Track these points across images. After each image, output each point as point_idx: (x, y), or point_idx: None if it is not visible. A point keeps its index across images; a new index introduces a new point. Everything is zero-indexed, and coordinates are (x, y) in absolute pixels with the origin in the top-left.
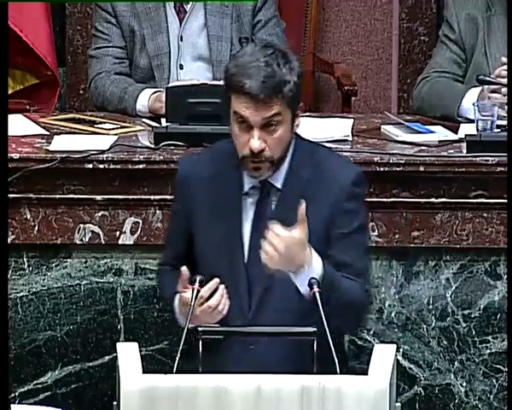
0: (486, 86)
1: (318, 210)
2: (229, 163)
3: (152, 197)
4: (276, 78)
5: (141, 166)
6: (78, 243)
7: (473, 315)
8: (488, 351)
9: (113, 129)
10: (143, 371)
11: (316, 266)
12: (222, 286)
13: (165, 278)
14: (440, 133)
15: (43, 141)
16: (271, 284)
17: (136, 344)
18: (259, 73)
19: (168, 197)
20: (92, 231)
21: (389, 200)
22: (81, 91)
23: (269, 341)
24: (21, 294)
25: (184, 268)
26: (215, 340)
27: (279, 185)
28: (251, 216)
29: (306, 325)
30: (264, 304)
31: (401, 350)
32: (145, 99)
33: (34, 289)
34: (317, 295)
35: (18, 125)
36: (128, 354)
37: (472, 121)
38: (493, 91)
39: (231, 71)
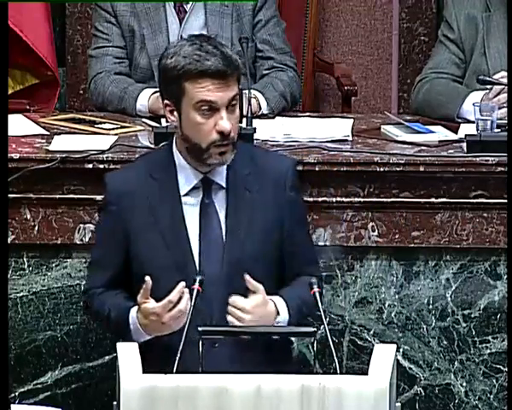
0: (490, 91)
1: (263, 202)
2: (160, 170)
3: None
4: (230, 56)
5: None
6: (78, 243)
7: (473, 315)
8: (488, 351)
9: (113, 129)
10: (143, 371)
11: (282, 311)
12: (186, 290)
13: (104, 298)
14: (440, 133)
15: (43, 141)
16: (230, 287)
17: (136, 344)
18: (215, 53)
19: None
20: (92, 231)
21: (389, 200)
22: (81, 91)
23: (233, 341)
24: (21, 294)
25: (148, 278)
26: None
27: (222, 183)
28: (196, 217)
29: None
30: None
31: (401, 350)
32: (145, 99)
33: (34, 289)
34: (317, 295)
35: (18, 125)
36: (128, 354)
37: (472, 122)
38: (498, 94)
39: (182, 62)
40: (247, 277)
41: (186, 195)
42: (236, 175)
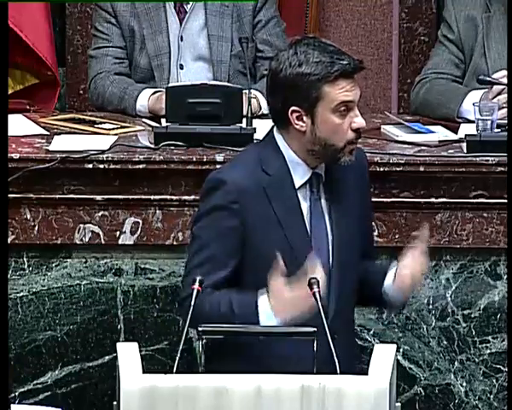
0: (490, 91)
1: (355, 189)
2: (273, 166)
3: (152, 197)
4: (347, 54)
5: (141, 166)
6: (78, 243)
7: (473, 315)
8: (488, 351)
9: (113, 129)
10: (143, 371)
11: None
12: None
13: (217, 297)
14: (440, 133)
15: (43, 141)
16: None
17: (136, 344)
18: (343, 53)
19: (168, 197)
20: (92, 231)
21: (389, 200)
22: (81, 91)
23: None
24: (21, 294)
25: (279, 256)
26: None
27: (323, 174)
28: (306, 212)
29: None
30: (343, 298)
31: (401, 350)
32: (145, 99)
33: (34, 289)
34: (317, 295)
35: (18, 125)
36: (128, 354)
37: (472, 122)
38: (498, 94)
39: (318, 67)
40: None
41: (299, 189)
42: (331, 167)
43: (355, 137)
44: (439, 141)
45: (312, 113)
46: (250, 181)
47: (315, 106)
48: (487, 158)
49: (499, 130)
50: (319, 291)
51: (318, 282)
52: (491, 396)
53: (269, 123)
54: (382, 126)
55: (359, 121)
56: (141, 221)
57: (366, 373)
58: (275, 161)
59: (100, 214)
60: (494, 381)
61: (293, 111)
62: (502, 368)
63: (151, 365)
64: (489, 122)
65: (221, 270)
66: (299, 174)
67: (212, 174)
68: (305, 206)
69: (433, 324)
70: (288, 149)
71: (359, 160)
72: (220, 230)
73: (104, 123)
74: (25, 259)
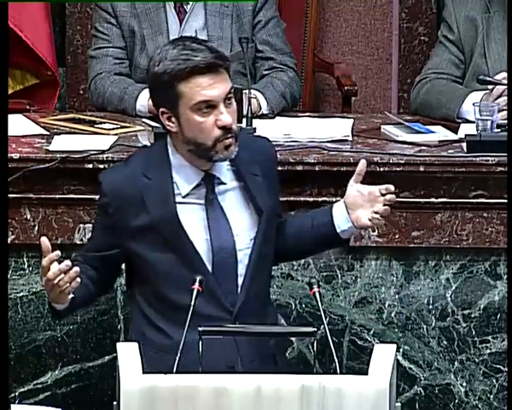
0: (492, 91)
1: (268, 181)
2: (155, 170)
3: None
4: (217, 49)
5: None
6: (78, 243)
7: (473, 315)
8: (488, 351)
9: (113, 129)
10: (143, 371)
11: None
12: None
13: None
14: (440, 133)
15: (43, 141)
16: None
17: (136, 344)
18: (201, 49)
19: None
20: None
21: None
22: (81, 91)
23: None
24: (21, 294)
25: (43, 239)
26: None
27: (224, 178)
28: (202, 214)
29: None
30: (255, 288)
31: (401, 350)
32: (145, 99)
33: (34, 289)
34: (317, 295)
35: (18, 125)
36: (128, 354)
37: (472, 122)
38: (498, 97)
39: (170, 65)
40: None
41: (188, 195)
42: (238, 164)
43: (222, 135)
44: (439, 141)
45: (176, 113)
46: (126, 184)
47: (177, 106)
48: (487, 158)
49: (499, 130)
50: (319, 291)
51: (318, 282)
52: (491, 396)
53: (269, 123)
54: (382, 126)
55: (224, 119)
56: None
57: (366, 373)
58: (159, 165)
59: None
60: (494, 381)
61: (163, 112)
62: (502, 368)
63: None
64: (489, 122)
65: (90, 249)
66: (188, 178)
67: (100, 173)
68: (198, 209)
69: (433, 324)
70: (175, 152)
71: (266, 150)
72: (98, 227)
73: (104, 123)
74: (25, 259)
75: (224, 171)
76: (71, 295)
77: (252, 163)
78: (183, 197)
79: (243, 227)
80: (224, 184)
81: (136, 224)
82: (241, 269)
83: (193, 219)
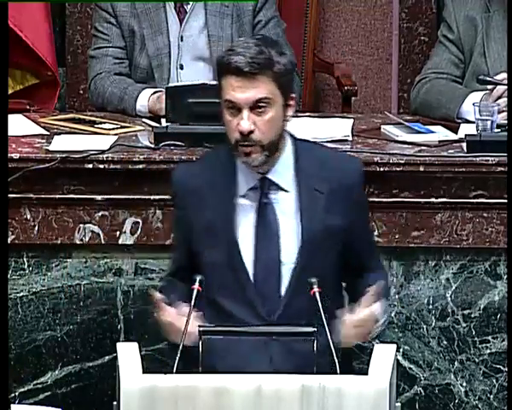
0: (492, 92)
1: (335, 204)
2: (223, 169)
3: (152, 197)
4: (264, 55)
5: (141, 166)
6: (78, 243)
7: (473, 315)
8: (488, 351)
9: (113, 129)
10: (143, 371)
11: (379, 315)
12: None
13: (170, 286)
14: (440, 133)
15: (43, 141)
16: (283, 296)
17: (136, 344)
18: (248, 51)
19: (168, 197)
20: (92, 231)
21: (389, 200)
22: (81, 91)
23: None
24: (21, 294)
25: (156, 293)
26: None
27: (284, 185)
28: (252, 218)
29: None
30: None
31: (401, 350)
32: (145, 99)
33: (34, 289)
34: (317, 295)
35: (18, 125)
36: (128, 354)
37: (471, 123)
38: (498, 98)
39: (221, 54)
40: (373, 287)
41: (244, 196)
42: (304, 176)
43: (241, 139)
44: (439, 141)
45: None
46: (192, 179)
47: (220, 97)
48: (487, 158)
49: (499, 130)
50: (319, 291)
51: (318, 282)
52: (491, 396)
53: None
54: (382, 126)
55: (241, 124)
56: (141, 221)
57: (366, 373)
58: (227, 163)
59: (100, 214)
60: (494, 381)
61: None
62: (502, 368)
63: (151, 365)
64: (489, 122)
65: (176, 260)
66: (247, 179)
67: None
68: (250, 212)
69: (433, 324)
70: None
71: (349, 172)
72: (174, 221)
73: (104, 123)
74: (25, 259)
75: (286, 177)
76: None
77: (320, 179)
78: (241, 198)
79: (291, 239)
80: (284, 190)
81: (196, 220)
82: (285, 282)
83: (244, 222)
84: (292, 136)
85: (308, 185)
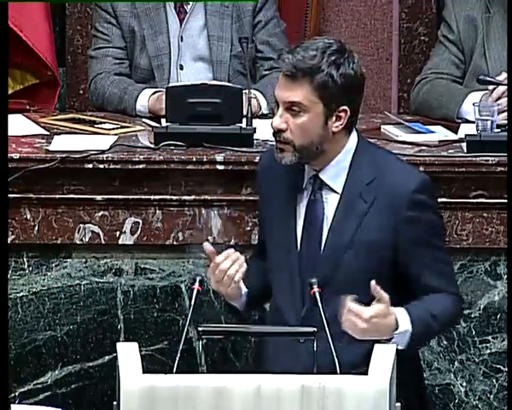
0: (492, 92)
1: (377, 216)
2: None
3: (152, 197)
4: (313, 62)
5: (141, 166)
6: (78, 243)
7: (473, 315)
8: (488, 351)
9: (113, 129)
10: (143, 371)
11: (402, 322)
12: (238, 255)
13: (253, 264)
14: (440, 133)
15: (43, 141)
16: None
17: (136, 344)
18: (303, 53)
19: (168, 197)
20: (92, 231)
21: None
22: (81, 91)
23: None
24: (21, 294)
25: (206, 244)
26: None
27: (335, 186)
28: (303, 212)
29: None
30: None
31: None
32: (145, 99)
33: (34, 289)
34: (317, 295)
35: (18, 125)
36: (128, 354)
37: (471, 123)
38: (498, 99)
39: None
40: (374, 283)
41: (304, 189)
42: (354, 181)
43: (276, 135)
44: (439, 141)
45: None
46: (272, 164)
47: None
48: (487, 158)
49: (499, 130)
50: (319, 291)
51: (318, 282)
52: (491, 396)
53: (269, 123)
54: (382, 126)
55: (274, 120)
56: (141, 221)
57: (366, 373)
58: None
59: (100, 214)
60: (494, 381)
61: None
62: (502, 368)
63: (151, 365)
64: (489, 122)
65: (260, 237)
66: (308, 173)
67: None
68: (301, 207)
69: None
70: None
71: (402, 185)
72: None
73: (104, 123)
74: (25, 259)
75: (338, 179)
76: (244, 290)
77: (370, 187)
78: (299, 192)
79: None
80: (333, 191)
81: (264, 207)
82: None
83: (299, 215)
84: (358, 136)
85: (355, 191)
